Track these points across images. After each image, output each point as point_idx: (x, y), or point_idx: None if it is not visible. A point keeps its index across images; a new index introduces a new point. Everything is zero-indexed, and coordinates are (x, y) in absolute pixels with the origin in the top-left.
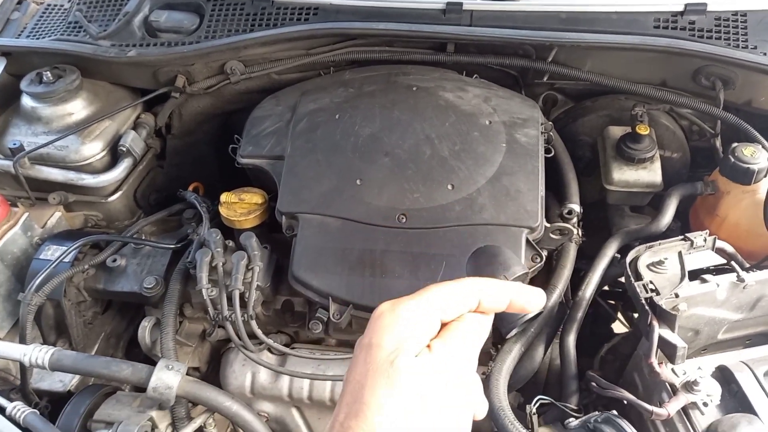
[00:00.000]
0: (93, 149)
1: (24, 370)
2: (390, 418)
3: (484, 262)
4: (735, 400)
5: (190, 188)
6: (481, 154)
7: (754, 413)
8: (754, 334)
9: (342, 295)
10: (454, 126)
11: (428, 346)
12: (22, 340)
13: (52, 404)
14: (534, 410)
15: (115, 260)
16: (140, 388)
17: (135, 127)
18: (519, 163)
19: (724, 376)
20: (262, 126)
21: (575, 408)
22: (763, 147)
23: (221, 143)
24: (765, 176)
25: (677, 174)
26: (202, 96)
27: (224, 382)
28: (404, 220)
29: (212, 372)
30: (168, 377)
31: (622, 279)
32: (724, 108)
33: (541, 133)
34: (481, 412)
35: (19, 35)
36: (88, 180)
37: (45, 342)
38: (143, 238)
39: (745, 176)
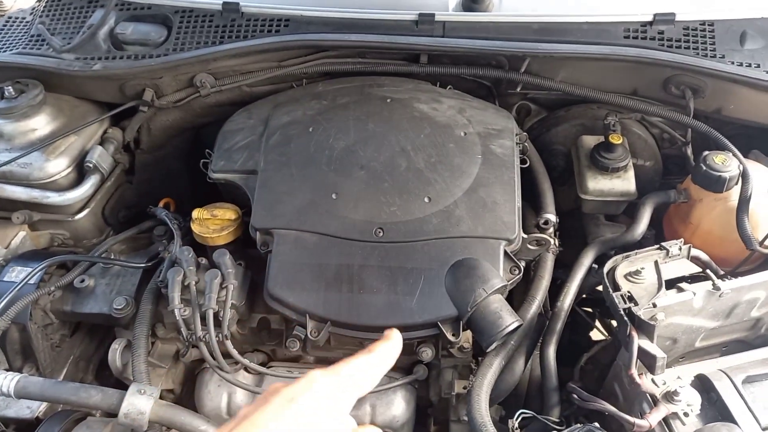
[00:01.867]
0: (58, 166)
1: None
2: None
3: (462, 275)
4: (714, 408)
5: (161, 204)
6: (457, 165)
7: (734, 422)
8: (730, 341)
9: (319, 312)
10: (430, 138)
11: None
12: None
13: None
14: (516, 425)
15: (83, 281)
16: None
17: (102, 142)
18: (495, 174)
19: (703, 385)
20: (234, 140)
21: (557, 421)
22: (734, 155)
23: (192, 157)
24: (736, 184)
25: (650, 182)
26: (171, 110)
27: (199, 403)
28: (381, 234)
29: (187, 394)
30: (140, 402)
31: (599, 287)
32: (695, 116)
33: (516, 143)
34: None
35: None
36: (54, 198)
37: (10, 367)
38: (112, 257)
39: (716, 184)
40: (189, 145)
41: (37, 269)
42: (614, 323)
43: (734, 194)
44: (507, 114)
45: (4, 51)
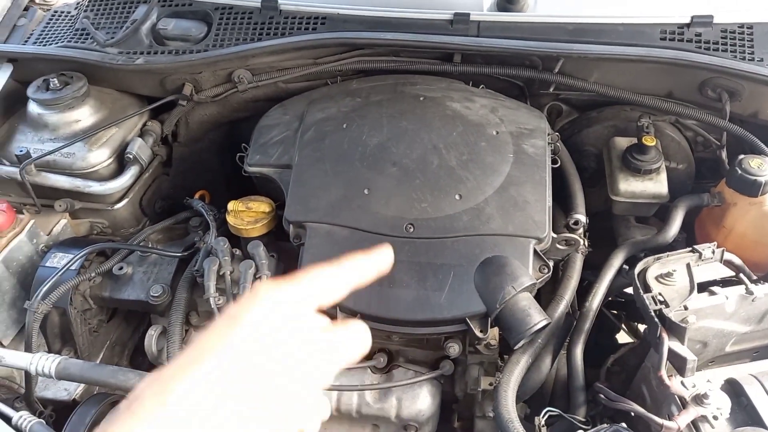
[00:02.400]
0: (100, 156)
1: (29, 378)
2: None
3: (491, 273)
4: (744, 413)
5: (196, 196)
6: (488, 164)
7: (765, 426)
8: (762, 346)
9: (349, 305)
10: (462, 136)
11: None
12: (28, 349)
13: (56, 413)
14: (543, 422)
15: (121, 268)
16: None
17: (141, 134)
18: (526, 174)
19: (733, 389)
20: (270, 135)
21: (583, 420)
22: None
23: (227, 151)
24: None
25: (682, 185)
26: (209, 104)
27: None
28: (412, 229)
29: None
30: None
31: (628, 289)
32: (730, 120)
33: (548, 143)
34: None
35: (26, 42)
36: (95, 187)
37: (50, 350)
38: (150, 246)
39: (752, 188)
40: (225, 139)
41: (79, 255)
42: (641, 326)
43: None
44: (539, 114)
45: (50, 44)
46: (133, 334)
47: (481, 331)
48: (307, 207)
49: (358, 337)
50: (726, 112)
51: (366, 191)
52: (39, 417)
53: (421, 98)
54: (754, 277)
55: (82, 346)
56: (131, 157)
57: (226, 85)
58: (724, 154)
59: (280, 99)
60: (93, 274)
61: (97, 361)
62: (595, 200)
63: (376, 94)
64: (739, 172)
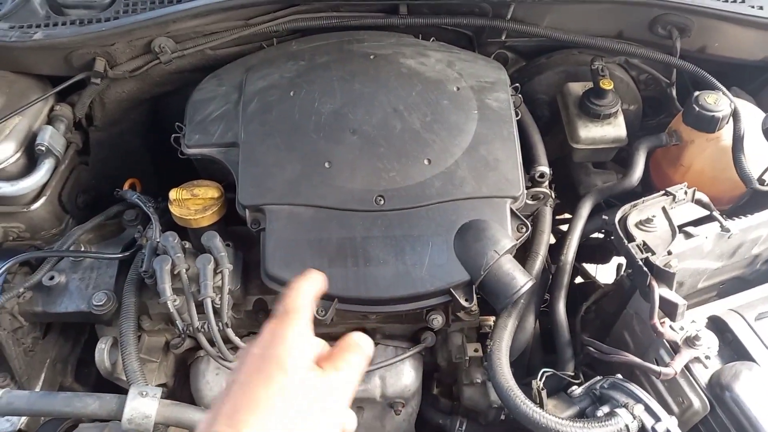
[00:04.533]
0: (5, 152)
1: None
2: (274, 416)
3: (471, 239)
4: (730, 348)
5: (126, 186)
6: (454, 123)
7: (752, 359)
8: (728, 279)
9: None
10: (422, 95)
11: (320, 365)
12: None
13: None
14: (541, 385)
15: (52, 278)
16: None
17: (50, 121)
18: (494, 130)
19: (717, 326)
20: (207, 110)
21: (572, 375)
22: (724, 93)
23: (152, 132)
24: (727, 122)
25: (631, 125)
26: (127, 80)
27: (198, 394)
28: (382, 202)
29: (180, 385)
30: (143, 405)
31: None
32: (678, 56)
33: (510, 96)
34: None
35: None
36: (5, 188)
37: None
38: (81, 248)
39: (710, 124)
40: (147, 118)
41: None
42: (588, 266)
43: (725, 133)
44: (498, 65)
45: None
46: (74, 348)
47: (466, 300)
48: (263, 188)
49: (360, 350)
50: (676, 49)
51: (327, 164)
52: None
53: (372, 56)
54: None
55: (18, 369)
56: (43, 148)
57: (145, 57)
58: (674, 92)
59: (210, 68)
60: (21, 290)
61: (39, 383)
62: (550, 149)
63: (321, 55)
64: (697, 109)
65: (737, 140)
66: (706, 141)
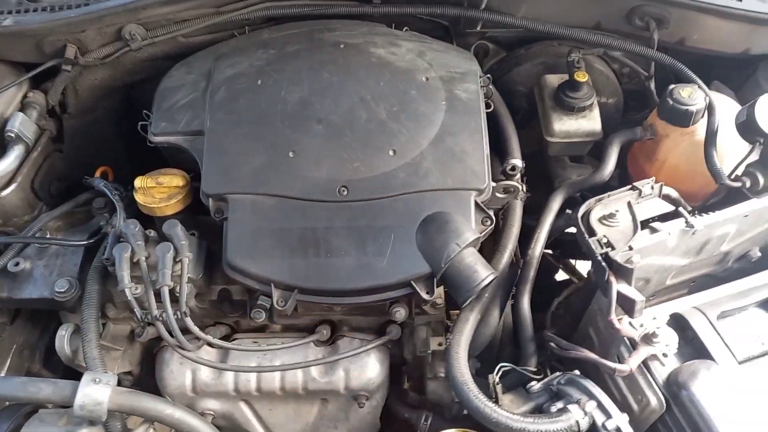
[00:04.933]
0: None
1: None
2: None
3: (434, 231)
4: (691, 346)
5: (98, 173)
6: (421, 114)
7: (711, 358)
8: (698, 276)
9: (285, 279)
10: (390, 85)
11: None
12: None
13: None
14: (497, 379)
15: (17, 264)
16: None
17: (23, 108)
18: (461, 122)
19: (678, 323)
20: (175, 98)
21: (534, 370)
22: (699, 87)
23: (125, 119)
24: (702, 116)
25: (611, 119)
26: (99, 67)
27: (162, 384)
28: (346, 192)
29: (147, 373)
30: (96, 392)
31: (568, 230)
32: (658, 48)
33: (481, 86)
34: None
35: None
36: None
37: None
38: (48, 235)
39: (684, 118)
40: (121, 106)
41: None
42: (579, 264)
43: (700, 128)
44: (469, 55)
45: None
46: (42, 335)
47: (427, 293)
48: (227, 177)
49: None
50: (654, 41)
51: (291, 154)
52: None
53: (342, 46)
54: (689, 208)
55: None
56: (13, 135)
57: (116, 44)
58: (652, 85)
59: (182, 56)
60: None
61: (5, 369)
62: (527, 142)
63: (291, 44)
64: (671, 102)
65: (710, 134)
66: (681, 135)
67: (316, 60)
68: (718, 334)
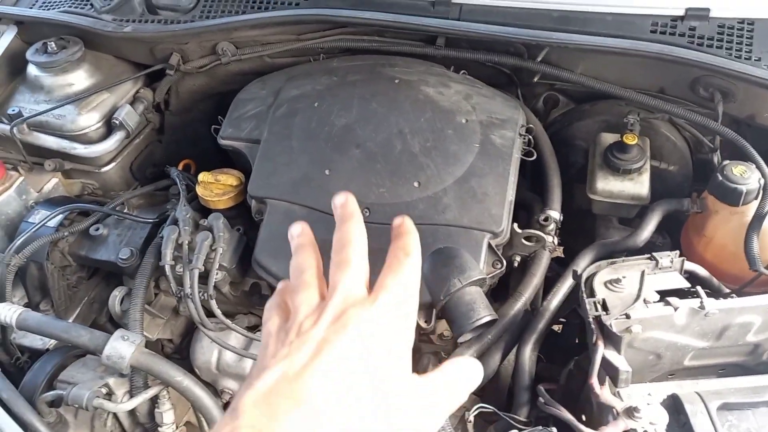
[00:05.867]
0: (89, 120)
1: (2, 326)
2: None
3: (440, 263)
4: (682, 431)
5: (181, 165)
6: (452, 152)
7: None
8: (726, 363)
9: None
10: (429, 122)
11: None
12: (1, 299)
13: (32, 360)
14: (470, 418)
15: (98, 229)
16: None
17: (133, 101)
18: (490, 165)
19: (675, 405)
20: (245, 108)
21: (524, 420)
22: (757, 167)
23: (216, 123)
24: (756, 198)
25: (678, 187)
26: (197, 75)
27: (193, 356)
28: (368, 214)
29: (186, 345)
30: (122, 347)
31: None
32: (726, 122)
33: (519, 135)
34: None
35: (33, 6)
36: (80, 150)
37: (30, 302)
38: (128, 210)
39: (732, 196)
40: (214, 110)
41: (54, 214)
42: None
43: (752, 209)
44: (515, 104)
45: (55, 8)
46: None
47: (425, 322)
48: (270, 183)
49: (467, 376)
50: (718, 113)
51: (327, 172)
52: (15, 362)
53: (396, 80)
54: (726, 290)
55: (57, 300)
56: (117, 122)
57: (211, 57)
58: (716, 158)
59: (265, 73)
60: (66, 233)
61: (73, 316)
62: (583, 197)
63: (353, 74)
64: (720, 178)
65: (756, 218)
66: (731, 214)
67: (369, 90)
68: (714, 426)
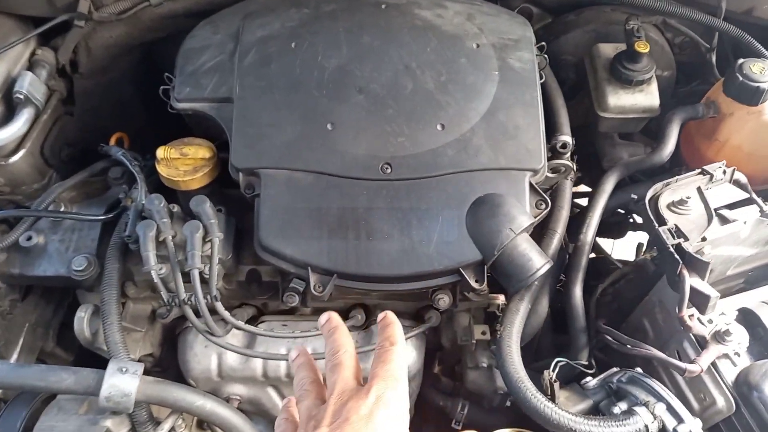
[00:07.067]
0: None
1: None
2: None
3: (485, 215)
4: (761, 344)
5: (112, 140)
6: (471, 85)
7: None
8: (757, 267)
9: (323, 263)
10: (437, 52)
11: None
12: None
13: None
14: (554, 377)
15: (30, 238)
16: None
17: (31, 66)
18: (515, 94)
19: (747, 319)
20: (200, 60)
21: (586, 364)
22: None
23: (145, 81)
24: None
25: (663, 93)
26: (115, 23)
27: (185, 367)
28: (389, 170)
29: (167, 354)
30: (123, 382)
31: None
32: (724, 19)
33: (536, 55)
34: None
35: None
36: None
37: None
38: (62, 207)
39: (753, 96)
40: (140, 66)
41: None
42: (599, 240)
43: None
44: (524, 20)
45: None
46: (56, 311)
47: (476, 281)
48: (259, 150)
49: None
50: (722, 9)
51: (329, 126)
52: None
53: (383, 6)
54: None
55: None
56: (22, 97)
57: None
58: (714, 58)
59: (205, 13)
60: None
61: (17, 348)
62: (573, 116)
63: (327, 4)
64: (740, 78)
65: None
66: (747, 114)
67: (354, 21)
68: None
